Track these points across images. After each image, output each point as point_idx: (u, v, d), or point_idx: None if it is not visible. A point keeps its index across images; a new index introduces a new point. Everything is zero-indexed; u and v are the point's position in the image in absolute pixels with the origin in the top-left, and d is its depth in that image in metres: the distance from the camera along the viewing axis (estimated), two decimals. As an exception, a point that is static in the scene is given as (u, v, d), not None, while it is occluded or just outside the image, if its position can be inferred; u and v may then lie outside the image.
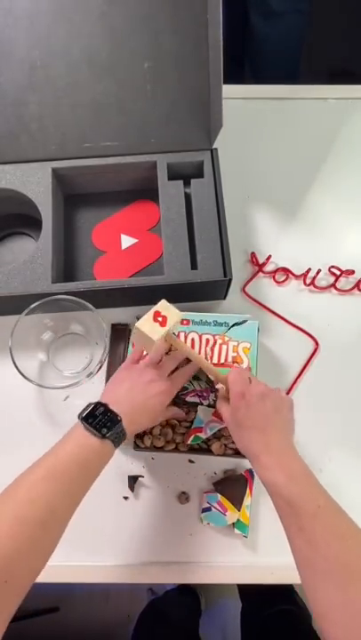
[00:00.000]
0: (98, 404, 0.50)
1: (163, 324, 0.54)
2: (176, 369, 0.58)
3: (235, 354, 0.64)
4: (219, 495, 0.63)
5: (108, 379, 0.68)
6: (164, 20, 0.63)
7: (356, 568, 0.40)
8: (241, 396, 0.52)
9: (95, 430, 0.48)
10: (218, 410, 0.57)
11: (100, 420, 0.49)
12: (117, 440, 0.49)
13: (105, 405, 0.50)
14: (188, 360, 0.59)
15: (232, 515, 0.62)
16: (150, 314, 0.54)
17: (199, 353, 0.65)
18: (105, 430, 0.48)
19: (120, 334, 0.70)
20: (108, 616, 1.15)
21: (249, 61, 1.37)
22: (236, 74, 1.38)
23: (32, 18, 0.63)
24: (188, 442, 0.61)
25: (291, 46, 1.29)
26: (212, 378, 0.60)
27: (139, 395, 0.53)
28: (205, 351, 0.65)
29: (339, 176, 0.82)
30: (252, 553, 0.63)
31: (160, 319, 0.54)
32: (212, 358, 0.64)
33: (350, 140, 0.85)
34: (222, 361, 0.64)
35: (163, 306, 0.55)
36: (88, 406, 0.50)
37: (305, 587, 0.43)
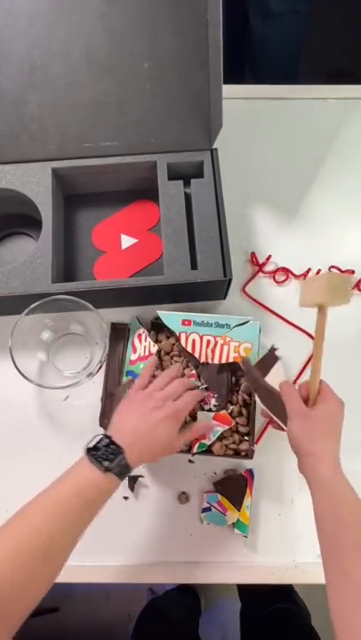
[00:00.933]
0: (103, 437, 0.50)
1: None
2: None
3: (236, 354, 0.64)
4: (219, 495, 0.63)
5: (106, 379, 0.68)
6: (163, 20, 0.63)
7: None
8: (341, 407, 0.53)
9: (97, 463, 0.48)
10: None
11: (103, 452, 0.49)
12: (121, 473, 0.49)
13: (109, 437, 0.50)
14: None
15: (232, 515, 0.62)
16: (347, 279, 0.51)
17: (199, 354, 0.65)
18: (107, 463, 0.48)
19: (120, 334, 0.70)
20: (108, 616, 1.15)
21: (249, 62, 1.37)
22: (235, 74, 1.38)
23: (32, 18, 0.63)
24: (194, 450, 0.61)
25: (290, 47, 1.29)
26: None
27: (142, 424, 0.52)
28: (206, 352, 0.65)
29: (339, 176, 0.83)
30: (252, 553, 0.63)
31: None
32: (212, 359, 0.64)
33: (350, 140, 0.85)
34: (223, 361, 0.64)
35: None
36: (94, 438, 0.50)
37: (337, 607, 0.42)
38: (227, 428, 0.61)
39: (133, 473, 0.65)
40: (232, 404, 0.64)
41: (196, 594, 1.14)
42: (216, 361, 0.64)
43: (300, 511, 0.64)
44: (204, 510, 0.63)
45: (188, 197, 0.71)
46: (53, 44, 0.64)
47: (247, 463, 0.66)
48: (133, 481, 0.65)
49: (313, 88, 0.88)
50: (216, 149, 0.72)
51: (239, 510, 0.62)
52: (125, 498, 0.65)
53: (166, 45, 0.65)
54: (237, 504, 0.62)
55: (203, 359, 0.65)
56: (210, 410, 0.62)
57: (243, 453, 0.62)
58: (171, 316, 0.65)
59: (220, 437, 0.62)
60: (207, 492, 0.64)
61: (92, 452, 0.49)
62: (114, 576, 0.62)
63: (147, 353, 0.66)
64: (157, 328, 0.69)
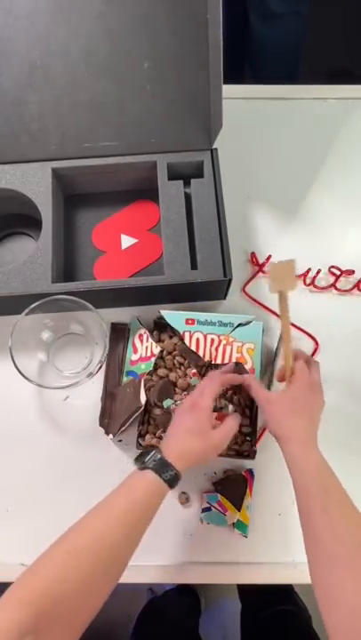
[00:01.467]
0: (155, 451, 0.52)
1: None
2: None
3: (238, 354, 0.64)
4: (219, 495, 0.63)
5: (106, 379, 0.68)
6: (163, 20, 0.63)
7: None
8: (308, 387, 0.55)
9: (137, 463, 0.51)
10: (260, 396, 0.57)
11: (142, 454, 0.52)
12: (160, 470, 0.50)
13: (160, 452, 0.52)
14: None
15: (232, 515, 0.62)
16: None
17: (203, 353, 0.65)
18: (144, 459, 0.51)
19: (120, 334, 0.70)
20: (108, 616, 1.15)
21: (249, 62, 1.37)
22: (236, 74, 1.38)
23: (32, 18, 0.63)
24: None
25: (290, 47, 1.29)
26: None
27: (172, 425, 0.55)
28: (210, 351, 0.65)
29: (339, 176, 0.82)
30: (252, 553, 0.63)
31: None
32: (216, 358, 0.65)
33: (350, 140, 0.85)
34: (226, 361, 0.64)
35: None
36: (147, 453, 0.52)
37: (315, 570, 0.45)
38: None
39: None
40: (235, 405, 0.64)
41: (196, 594, 1.14)
42: (219, 360, 0.64)
43: (301, 511, 0.64)
44: (204, 510, 0.63)
45: (188, 197, 0.71)
46: (53, 44, 0.64)
47: (247, 463, 0.66)
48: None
49: (313, 88, 0.88)
50: (216, 149, 0.72)
51: (239, 510, 0.62)
52: (125, 498, 0.65)
53: (166, 45, 0.65)
54: (237, 504, 0.62)
55: (207, 357, 0.65)
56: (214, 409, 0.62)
57: (245, 454, 0.62)
58: (174, 315, 0.66)
59: None
60: (207, 491, 0.64)
61: (136, 457, 0.53)
62: (114, 576, 0.62)
63: (148, 354, 0.66)
64: (160, 327, 0.69)
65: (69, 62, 0.66)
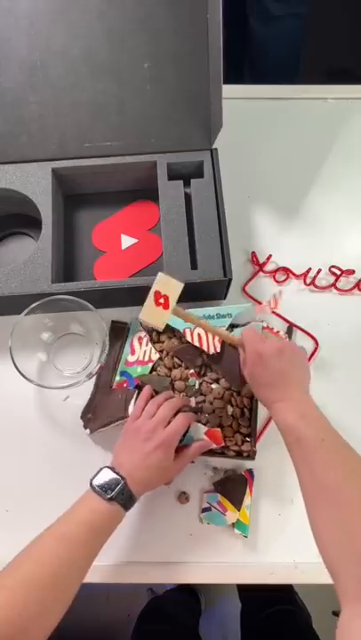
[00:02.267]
0: (105, 468, 0.53)
1: (165, 305, 0.51)
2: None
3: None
4: (219, 495, 0.63)
5: (98, 374, 0.69)
6: (163, 20, 0.63)
7: (347, 493, 0.43)
8: (258, 355, 0.54)
9: (102, 493, 0.50)
10: (242, 370, 0.57)
11: (106, 482, 0.51)
12: (125, 502, 0.51)
13: (112, 469, 0.52)
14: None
15: (232, 515, 0.62)
16: (151, 298, 0.51)
17: (207, 347, 0.65)
18: (110, 492, 0.50)
19: (119, 333, 0.70)
20: (108, 616, 1.15)
21: (249, 63, 1.37)
22: (235, 76, 1.38)
23: (32, 18, 0.63)
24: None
25: (290, 49, 1.29)
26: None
27: (136, 455, 0.54)
28: (214, 344, 0.65)
29: (339, 176, 0.83)
30: (252, 553, 0.63)
31: (162, 301, 0.50)
32: (221, 349, 0.66)
33: (350, 140, 0.85)
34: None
35: (161, 282, 0.51)
36: (98, 471, 0.53)
37: (309, 516, 0.46)
38: (216, 446, 0.61)
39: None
40: (233, 406, 0.64)
41: (196, 593, 1.14)
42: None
43: (301, 511, 0.64)
44: (204, 510, 0.63)
45: (188, 197, 0.71)
46: (53, 44, 0.64)
47: (247, 463, 0.66)
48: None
49: (313, 88, 0.88)
50: (216, 149, 0.72)
51: (239, 510, 0.62)
52: (125, 498, 0.65)
53: (166, 45, 0.65)
54: (237, 504, 0.62)
55: (211, 350, 0.65)
56: (205, 423, 0.63)
57: (245, 454, 0.62)
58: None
59: (223, 438, 0.62)
60: (207, 491, 0.64)
61: (97, 484, 0.51)
62: (114, 576, 0.62)
63: (147, 358, 0.67)
64: None
65: (69, 62, 0.66)
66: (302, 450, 0.48)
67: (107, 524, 0.50)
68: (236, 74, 1.39)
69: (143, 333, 0.69)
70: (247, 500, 0.62)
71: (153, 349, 0.67)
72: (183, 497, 0.64)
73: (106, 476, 0.52)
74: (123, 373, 0.67)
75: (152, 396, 0.62)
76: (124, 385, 0.66)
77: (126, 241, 0.76)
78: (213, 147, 0.72)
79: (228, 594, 1.19)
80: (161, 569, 0.62)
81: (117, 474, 0.52)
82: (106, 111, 0.69)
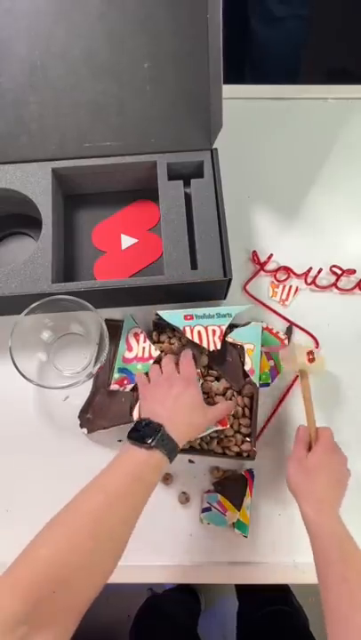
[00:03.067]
0: (140, 420, 0.53)
1: (310, 360, 0.63)
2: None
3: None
4: (219, 495, 0.63)
5: (96, 374, 0.68)
6: (163, 21, 0.63)
7: None
8: (332, 451, 0.57)
9: (140, 442, 0.50)
10: (294, 447, 0.59)
11: (143, 432, 0.51)
12: (166, 446, 0.50)
13: (147, 419, 0.52)
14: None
15: (232, 515, 0.62)
16: (304, 350, 0.63)
17: (208, 344, 0.65)
18: (149, 440, 0.50)
19: (112, 330, 0.70)
20: (108, 616, 1.15)
21: (249, 64, 1.37)
22: (236, 77, 1.38)
23: (32, 18, 0.63)
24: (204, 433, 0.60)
25: (291, 50, 1.29)
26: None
27: (167, 400, 0.55)
28: (214, 341, 0.65)
29: (339, 175, 0.82)
30: (252, 553, 0.63)
31: (311, 357, 0.63)
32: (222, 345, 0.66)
33: (350, 140, 0.85)
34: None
35: (316, 351, 0.65)
36: (135, 424, 0.53)
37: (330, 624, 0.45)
38: (221, 427, 0.61)
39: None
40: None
41: (195, 593, 1.14)
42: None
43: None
44: (204, 510, 0.63)
45: (188, 197, 0.71)
46: (53, 45, 0.64)
47: (247, 463, 0.66)
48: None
49: (313, 88, 0.88)
50: (216, 149, 0.72)
51: (239, 510, 0.62)
52: (125, 498, 0.65)
53: (166, 46, 0.65)
54: (238, 504, 0.62)
55: (212, 347, 0.65)
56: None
57: (245, 454, 0.62)
58: (172, 314, 0.66)
59: (222, 438, 0.62)
60: (207, 492, 0.64)
61: (134, 435, 0.51)
62: (114, 576, 0.62)
63: (147, 355, 0.67)
64: (159, 328, 0.69)
65: (70, 62, 0.66)
66: (346, 569, 0.47)
67: (151, 472, 0.49)
68: (236, 74, 1.39)
69: (139, 330, 0.69)
70: (247, 500, 0.62)
71: (153, 347, 0.67)
72: (183, 497, 0.64)
73: (141, 426, 0.51)
74: (121, 370, 0.67)
75: None
76: (125, 382, 0.66)
77: (126, 241, 0.76)
78: (213, 147, 0.72)
79: (227, 594, 1.19)
80: (161, 569, 0.62)
81: (153, 422, 0.52)
82: (106, 111, 0.69)
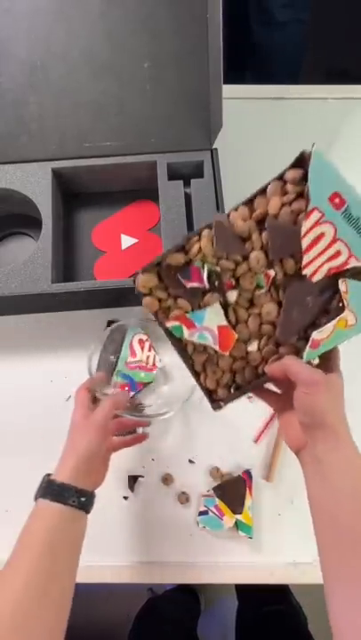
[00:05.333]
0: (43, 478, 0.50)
1: None
2: None
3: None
4: (217, 499, 0.63)
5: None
6: (163, 20, 0.63)
7: None
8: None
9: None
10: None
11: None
12: (50, 493, 0.46)
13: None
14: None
15: (229, 519, 0.62)
16: None
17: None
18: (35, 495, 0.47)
19: (116, 333, 0.70)
20: (108, 616, 1.15)
21: (249, 67, 1.37)
22: (235, 75, 1.38)
23: (32, 18, 0.63)
24: (168, 324, 0.44)
25: (292, 54, 1.29)
26: None
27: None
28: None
29: (339, 176, 0.82)
30: (252, 553, 0.63)
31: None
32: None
33: (350, 140, 0.85)
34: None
35: None
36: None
37: (350, 614, 0.35)
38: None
39: (133, 473, 0.65)
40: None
41: (195, 593, 1.14)
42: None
43: (300, 511, 0.64)
44: (201, 514, 0.63)
45: (188, 197, 0.71)
46: (53, 45, 0.64)
47: (245, 464, 0.66)
48: (133, 481, 0.65)
49: (313, 88, 0.88)
50: (216, 149, 0.72)
51: (241, 513, 0.62)
52: (125, 498, 0.65)
53: (166, 45, 0.65)
54: (238, 507, 0.62)
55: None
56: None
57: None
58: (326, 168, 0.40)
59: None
60: (205, 495, 0.64)
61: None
62: (114, 576, 0.62)
63: (150, 364, 0.67)
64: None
65: (70, 62, 0.66)
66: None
67: (41, 529, 0.44)
68: (236, 75, 1.38)
69: (145, 336, 0.68)
70: (248, 501, 0.62)
71: (157, 356, 0.66)
72: (183, 497, 0.64)
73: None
74: (123, 375, 0.67)
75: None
76: (126, 388, 0.66)
77: (126, 241, 0.76)
78: (213, 147, 0.72)
79: (227, 594, 1.19)
80: (161, 569, 0.62)
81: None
82: (106, 111, 0.69)
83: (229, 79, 0.67)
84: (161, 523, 0.64)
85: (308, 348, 0.40)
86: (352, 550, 0.36)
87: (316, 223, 0.36)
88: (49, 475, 0.48)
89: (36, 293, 0.64)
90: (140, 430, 0.64)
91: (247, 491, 0.63)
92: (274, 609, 0.83)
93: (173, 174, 0.71)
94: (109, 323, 0.71)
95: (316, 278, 0.37)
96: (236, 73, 1.37)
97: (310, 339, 0.39)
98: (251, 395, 0.67)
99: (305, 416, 0.40)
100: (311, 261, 0.37)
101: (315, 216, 0.36)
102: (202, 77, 0.66)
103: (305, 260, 0.37)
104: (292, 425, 0.42)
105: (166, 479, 0.65)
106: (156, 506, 0.65)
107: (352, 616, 0.34)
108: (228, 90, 0.67)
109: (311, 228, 0.36)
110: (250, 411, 0.68)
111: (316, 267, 0.37)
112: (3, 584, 0.40)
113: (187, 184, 0.71)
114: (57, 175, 0.72)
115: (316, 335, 0.39)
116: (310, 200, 0.37)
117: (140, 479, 0.65)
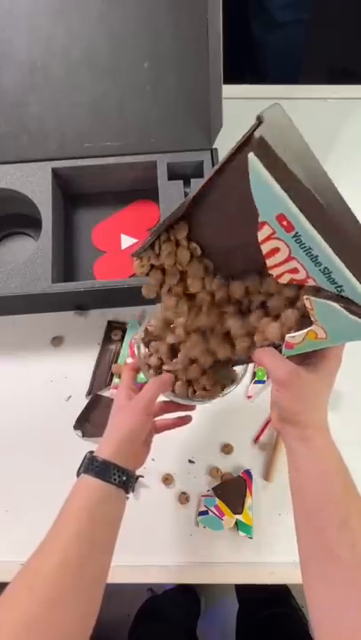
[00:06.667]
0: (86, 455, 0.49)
1: None
2: None
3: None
4: (217, 499, 0.63)
5: (93, 377, 0.69)
6: (164, 21, 0.63)
7: None
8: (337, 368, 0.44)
9: (77, 475, 0.47)
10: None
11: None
12: (94, 469, 0.45)
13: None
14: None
15: (229, 520, 0.62)
16: None
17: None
18: (79, 469, 0.47)
19: (116, 333, 0.70)
20: (108, 616, 1.15)
21: (250, 68, 1.37)
22: (235, 75, 1.38)
23: (32, 18, 0.63)
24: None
25: (292, 55, 1.29)
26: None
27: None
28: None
29: (340, 175, 0.81)
30: (252, 553, 0.63)
31: None
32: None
33: (350, 140, 0.85)
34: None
35: None
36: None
37: (321, 592, 0.37)
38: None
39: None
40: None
41: (195, 594, 1.14)
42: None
43: (300, 511, 0.64)
44: (201, 514, 0.63)
45: (188, 197, 0.71)
46: (53, 45, 0.64)
47: (245, 464, 0.66)
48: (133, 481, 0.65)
49: (313, 88, 0.88)
50: (216, 149, 0.72)
51: (241, 513, 0.62)
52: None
53: (166, 46, 0.65)
54: (238, 507, 0.62)
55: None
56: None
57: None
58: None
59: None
60: (205, 495, 0.64)
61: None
62: (114, 576, 0.62)
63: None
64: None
65: (70, 63, 0.66)
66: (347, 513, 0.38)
67: (94, 503, 0.44)
68: (236, 74, 1.38)
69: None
70: (248, 501, 0.62)
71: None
72: (183, 497, 0.64)
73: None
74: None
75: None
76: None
77: (126, 241, 0.76)
78: (213, 147, 0.72)
79: (227, 594, 1.19)
80: (161, 569, 0.62)
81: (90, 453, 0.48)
82: (106, 111, 0.69)
83: (229, 79, 0.67)
84: (161, 523, 0.64)
85: (283, 347, 0.40)
86: (317, 528, 0.38)
87: (269, 237, 0.33)
88: (92, 452, 0.48)
89: (36, 293, 0.64)
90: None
91: (247, 491, 0.63)
92: (274, 612, 0.83)
93: (173, 174, 0.71)
94: (109, 323, 0.72)
95: (281, 281, 0.36)
96: (236, 73, 1.37)
97: (285, 340, 0.39)
98: (250, 394, 0.67)
99: (277, 409, 0.42)
100: (274, 266, 0.35)
101: (266, 230, 0.33)
102: (202, 78, 0.66)
103: (269, 263, 0.35)
104: (274, 409, 0.44)
105: (166, 479, 0.65)
106: (156, 506, 0.65)
107: (321, 590, 0.37)
108: (228, 90, 0.67)
109: (265, 240, 0.34)
110: (250, 411, 0.68)
111: (279, 272, 0.36)
112: (41, 557, 0.41)
113: (187, 184, 0.71)
114: (57, 175, 0.72)
115: (289, 339, 0.39)
116: (259, 212, 0.33)
117: (140, 479, 0.65)
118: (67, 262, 0.75)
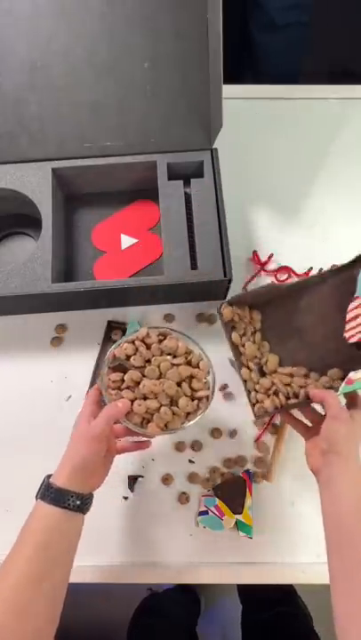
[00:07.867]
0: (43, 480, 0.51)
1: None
2: None
3: None
4: (217, 500, 0.63)
5: (93, 378, 0.69)
6: (164, 21, 0.63)
7: None
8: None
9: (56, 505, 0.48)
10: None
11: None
12: (49, 496, 0.47)
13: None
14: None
15: (229, 519, 0.62)
16: None
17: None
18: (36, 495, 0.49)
19: (116, 333, 0.70)
20: (108, 616, 1.15)
21: (250, 69, 1.37)
22: (236, 75, 1.37)
23: (32, 18, 0.63)
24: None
25: (292, 56, 1.28)
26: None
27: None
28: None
29: (340, 175, 0.82)
30: (253, 553, 0.63)
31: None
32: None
33: (351, 140, 0.85)
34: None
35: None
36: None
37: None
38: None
39: (133, 473, 0.65)
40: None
41: (195, 593, 1.14)
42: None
43: (300, 511, 0.64)
44: (201, 514, 0.63)
45: (188, 197, 0.71)
46: (54, 45, 0.64)
47: (245, 465, 0.66)
48: (133, 481, 0.65)
49: (313, 88, 0.88)
50: (216, 149, 0.72)
51: (241, 513, 0.62)
52: (125, 498, 0.65)
53: (166, 46, 0.65)
54: (238, 507, 0.62)
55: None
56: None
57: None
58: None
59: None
60: (205, 495, 0.64)
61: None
62: (114, 576, 0.62)
63: None
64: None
65: (70, 62, 0.66)
66: None
67: (42, 531, 0.47)
68: (236, 74, 1.38)
69: None
70: (248, 501, 0.62)
71: None
72: (183, 497, 0.64)
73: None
74: None
75: None
76: None
77: (126, 241, 0.76)
78: (213, 147, 0.72)
79: (228, 594, 1.19)
80: (161, 569, 0.62)
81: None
82: (106, 111, 0.69)
83: (229, 79, 0.67)
84: (161, 523, 0.64)
85: (343, 384, 0.52)
86: (351, 548, 0.44)
87: (358, 306, 0.52)
88: (49, 476, 0.50)
89: (36, 293, 0.64)
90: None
91: (247, 491, 0.63)
92: (279, 611, 0.83)
93: (173, 174, 0.71)
94: (109, 323, 0.72)
95: (352, 341, 0.52)
96: (236, 73, 1.37)
97: (347, 377, 0.52)
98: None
99: (325, 442, 0.49)
100: (350, 329, 0.52)
101: (357, 302, 0.52)
102: (202, 78, 0.66)
103: (347, 326, 0.53)
104: (314, 450, 0.51)
105: (166, 479, 0.65)
106: (156, 506, 0.65)
107: (351, 606, 0.41)
108: (228, 90, 0.67)
109: (354, 308, 0.52)
110: (250, 411, 0.68)
111: (353, 333, 0.52)
112: (4, 572, 0.45)
113: (187, 184, 0.71)
114: (57, 175, 0.72)
115: (352, 375, 0.52)
116: (357, 289, 0.53)
117: (140, 479, 0.65)
118: (67, 262, 0.75)
